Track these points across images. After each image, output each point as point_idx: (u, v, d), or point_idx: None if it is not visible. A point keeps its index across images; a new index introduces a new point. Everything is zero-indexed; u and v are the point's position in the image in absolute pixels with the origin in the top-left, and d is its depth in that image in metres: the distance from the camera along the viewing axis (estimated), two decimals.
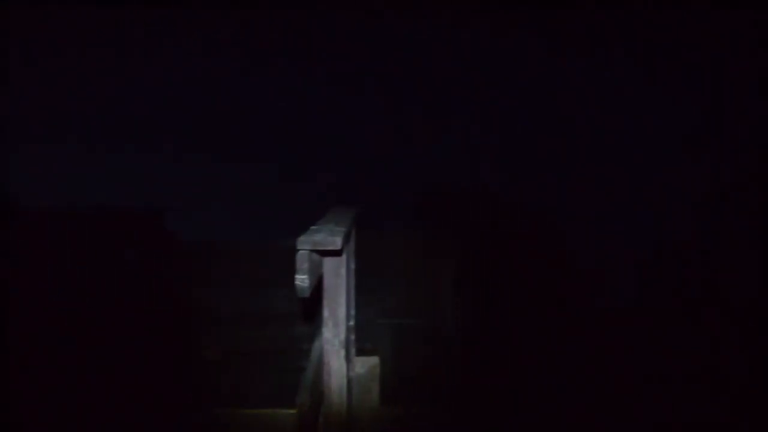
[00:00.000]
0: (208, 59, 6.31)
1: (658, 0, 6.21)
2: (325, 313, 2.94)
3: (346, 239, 3.05)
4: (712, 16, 6.09)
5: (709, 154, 6.08)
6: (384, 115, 6.41)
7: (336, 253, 2.83)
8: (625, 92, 6.32)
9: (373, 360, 4.61)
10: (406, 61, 6.44)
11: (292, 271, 2.50)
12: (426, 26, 6.38)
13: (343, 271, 2.99)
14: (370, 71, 6.47)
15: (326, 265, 2.91)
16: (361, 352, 4.58)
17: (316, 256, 2.74)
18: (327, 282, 2.92)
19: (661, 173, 6.14)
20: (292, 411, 3.86)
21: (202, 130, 6.28)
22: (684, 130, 6.23)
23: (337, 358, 2.92)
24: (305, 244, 2.58)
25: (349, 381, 3.29)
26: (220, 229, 5.79)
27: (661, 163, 6.19)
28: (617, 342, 5.09)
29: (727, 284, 5.18)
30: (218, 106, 6.31)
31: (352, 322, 3.89)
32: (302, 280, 2.50)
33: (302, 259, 2.54)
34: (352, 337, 4.03)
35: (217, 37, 6.30)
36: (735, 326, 4.92)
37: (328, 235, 2.67)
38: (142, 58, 6.21)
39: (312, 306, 3.78)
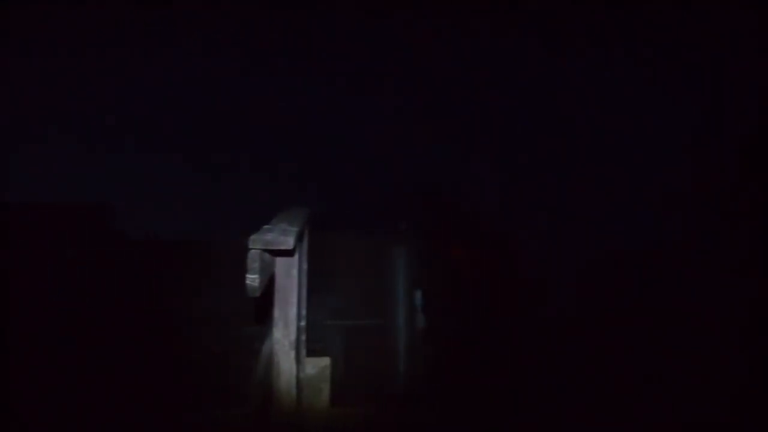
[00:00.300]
0: (208, 59, 6.31)
1: (658, 0, 6.21)
2: (276, 313, 2.89)
3: (299, 239, 3.02)
4: (712, 16, 6.08)
5: (709, 154, 6.07)
6: (384, 115, 6.41)
7: (288, 253, 2.80)
8: (625, 92, 6.31)
9: (324, 361, 4.55)
10: (406, 61, 6.44)
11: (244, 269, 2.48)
12: (426, 26, 6.38)
13: (295, 271, 2.96)
14: (370, 71, 6.47)
15: (278, 264, 2.87)
16: (312, 353, 4.51)
17: (267, 256, 2.71)
18: (278, 282, 2.89)
19: (661, 173, 6.13)
20: (241, 412, 3.81)
21: (201, 130, 6.28)
22: (684, 130, 6.23)
23: (287, 358, 2.88)
24: (257, 243, 2.57)
25: (299, 381, 3.25)
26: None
27: (661, 163, 6.18)
28: (617, 342, 5.08)
29: (727, 284, 5.17)
30: (218, 106, 6.31)
31: (303, 323, 3.83)
32: (253, 279, 2.51)
33: (253, 258, 2.53)
34: (303, 337, 3.97)
35: (217, 37, 6.30)
36: (735, 326, 4.91)
37: (280, 235, 2.65)
38: (142, 58, 6.21)
39: (264, 305, 3.76)
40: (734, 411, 4.25)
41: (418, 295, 4.95)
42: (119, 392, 4.69)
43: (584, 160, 6.21)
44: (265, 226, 2.87)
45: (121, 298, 4.92)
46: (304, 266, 3.93)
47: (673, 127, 6.25)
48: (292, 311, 2.93)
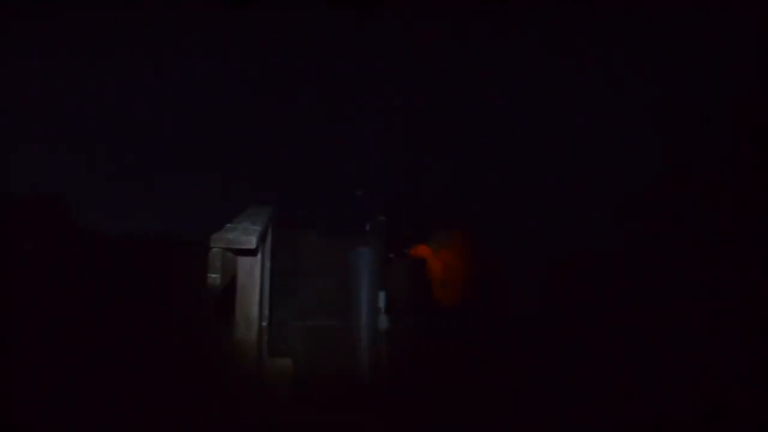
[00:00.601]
0: (208, 59, 6.31)
1: (658, 0, 6.21)
2: (238, 313, 2.85)
3: (262, 238, 2.99)
4: (712, 16, 6.08)
5: (709, 153, 6.07)
6: (384, 115, 6.41)
7: (250, 253, 2.76)
8: (625, 92, 6.31)
9: (286, 361, 4.54)
10: (406, 61, 6.44)
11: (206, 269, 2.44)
12: (426, 26, 6.38)
13: (258, 270, 2.91)
14: (370, 71, 6.47)
15: (240, 264, 2.83)
16: (274, 354, 4.49)
17: (230, 255, 2.68)
18: (240, 281, 2.84)
19: (661, 173, 6.13)
20: (200, 414, 3.79)
21: (201, 130, 6.28)
22: (684, 131, 6.22)
23: (249, 359, 2.83)
24: (219, 242, 2.55)
25: (261, 382, 3.17)
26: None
27: (660, 163, 6.18)
28: (617, 342, 5.07)
29: (727, 284, 5.17)
30: (218, 106, 6.31)
31: (265, 323, 3.77)
32: (214, 279, 2.47)
33: (215, 257, 2.51)
34: (265, 338, 3.91)
35: (217, 37, 6.30)
36: (735, 326, 4.90)
37: (242, 234, 2.62)
38: (142, 58, 6.21)
39: (226, 305, 3.74)
40: (734, 411, 4.24)
41: (382, 296, 4.92)
42: (119, 392, 4.69)
43: (584, 160, 6.20)
44: (228, 225, 2.85)
45: (120, 298, 4.92)
46: (267, 266, 3.88)
47: (674, 128, 6.24)
48: (254, 311, 2.87)
